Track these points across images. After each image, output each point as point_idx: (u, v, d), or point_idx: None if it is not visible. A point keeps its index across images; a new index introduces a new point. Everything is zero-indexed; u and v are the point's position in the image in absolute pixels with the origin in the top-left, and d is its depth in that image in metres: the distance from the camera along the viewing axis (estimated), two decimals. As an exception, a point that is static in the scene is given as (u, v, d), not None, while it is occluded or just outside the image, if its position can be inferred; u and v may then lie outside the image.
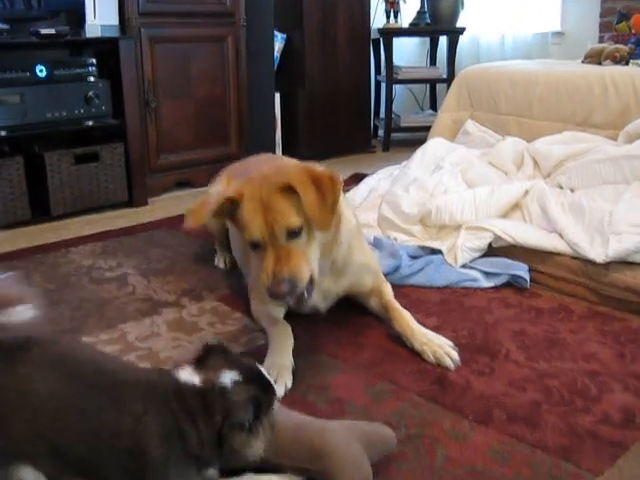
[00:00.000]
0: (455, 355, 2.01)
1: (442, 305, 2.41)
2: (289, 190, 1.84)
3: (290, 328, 2.08)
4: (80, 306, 2.45)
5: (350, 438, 1.48)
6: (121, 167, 3.76)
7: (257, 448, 1.36)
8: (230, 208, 1.91)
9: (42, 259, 2.94)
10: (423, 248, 2.73)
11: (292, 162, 2.04)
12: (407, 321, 2.14)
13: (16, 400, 1.28)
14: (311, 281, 1.87)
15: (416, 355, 2.05)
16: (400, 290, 2.42)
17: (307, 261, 1.86)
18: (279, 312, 2.19)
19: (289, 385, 1.87)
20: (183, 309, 2.41)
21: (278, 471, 1.48)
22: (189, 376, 1.36)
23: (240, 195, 1.88)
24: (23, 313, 1.34)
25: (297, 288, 1.81)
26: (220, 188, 2.65)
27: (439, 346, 2.03)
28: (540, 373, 1.95)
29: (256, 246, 1.88)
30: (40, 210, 3.53)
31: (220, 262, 2.82)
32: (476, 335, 2.18)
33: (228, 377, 1.35)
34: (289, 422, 1.53)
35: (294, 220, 1.83)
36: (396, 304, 2.23)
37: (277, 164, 2.08)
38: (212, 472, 1.38)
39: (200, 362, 1.39)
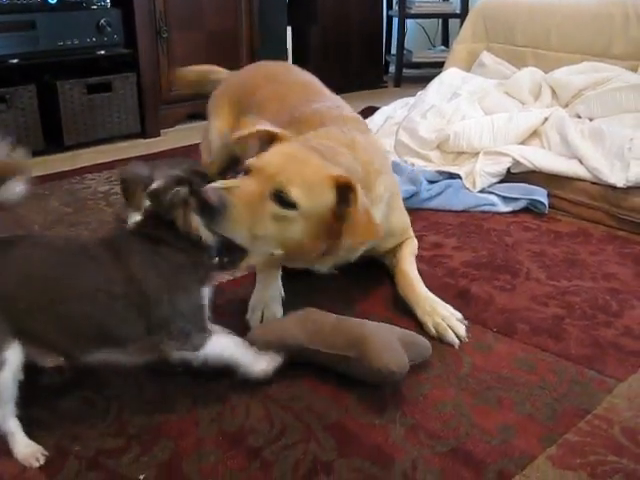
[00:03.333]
0: (461, 330, 1.74)
1: (461, 227, 2.41)
2: (335, 186, 1.53)
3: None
4: (99, 227, 2.46)
5: (389, 333, 1.53)
6: (133, 98, 3.73)
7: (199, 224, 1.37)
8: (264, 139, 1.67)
9: (58, 185, 2.94)
10: (441, 173, 2.72)
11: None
12: (412, 285, 1.87)
13: (15, 278, 1.31)
14: (239, 251, 1.51)
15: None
16: (419, 213, 2.43)
17: (262, 234, 1.49)
18: None
19: (279, 315, 1.76)
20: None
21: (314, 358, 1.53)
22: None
23: (285, 137, 1.65)
24: (16, 189, 1.33)
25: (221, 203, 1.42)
26: (220, 123, 2.41)
27: (443, 317, 1.76)
28: (561, 290, 1.96)
29: (246, 171, 1.55)
30: (53, 140, 3.50)
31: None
32: (496, 255, 2.19)
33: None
34: (330, 316, 1.58)
35: (300, 197, 1.48)
36: (405, 264, 1.94)
37: (337, 150, 1.68)
38: (205, 299, 1.43)
39: None
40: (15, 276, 1.31)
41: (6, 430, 1.32)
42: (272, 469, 1.29)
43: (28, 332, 1.31)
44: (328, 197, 1.52)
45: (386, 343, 1.48)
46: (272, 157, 1.55)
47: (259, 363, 1.50)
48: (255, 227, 1.46)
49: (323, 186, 1.52)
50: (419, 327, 1.77)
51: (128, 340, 1.38)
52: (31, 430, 1.36)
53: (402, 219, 2.00)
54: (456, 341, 1.71)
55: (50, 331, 1.33)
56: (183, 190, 1.34)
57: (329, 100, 2.11)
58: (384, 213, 1.82)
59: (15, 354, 1.29)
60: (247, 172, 1.53)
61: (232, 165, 2.43)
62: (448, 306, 1.81)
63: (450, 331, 1.73)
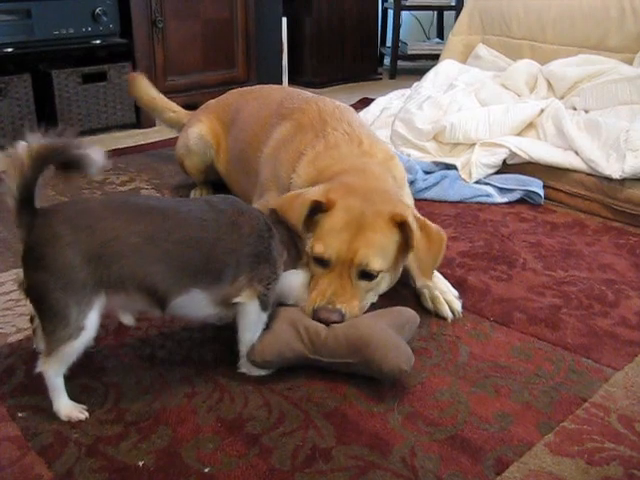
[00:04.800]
0: (457, 305, 1.79)
1: (457, 218, 2.42)
2: (396, 225, 1.63)
3: None
4: (95, 217, 2.45)
5: (382, 324, 1.51)
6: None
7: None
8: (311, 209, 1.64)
9: (53, 174, 2.91)
10: (437, 164, 2.72)
11: (394, 195, 1.76)
12: None
13: (126, 216, 1.35)
14: None
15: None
16: (415, 203, 2.41)
17: (365, 303, 1.65)
18: None
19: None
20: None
21: (315, 364, 1.52)
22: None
23: (331, 202, 1.63)
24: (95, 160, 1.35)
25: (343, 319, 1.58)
26: (200, 130, 2.50)
27: (441, 291, 1.81)
28: (558, 280, 1.97)
29: (320, 262, 1.62)
30: (48, 130, 3.48)
31: (196, 196, 2.61)
32: (493, 245, 2.19)
33: None
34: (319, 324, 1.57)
35: (380, 264, 1.61)
36: None
37: (375, 185, 1.73)
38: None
39: None
40: (127, 214, 1.34)
41: (53, 385, 1.36)
42: (271, 455, 1.29)
43: (127, 278, 1.33)
44: (395, 239, 1.64)
45: (389, 343, 1.46)
46: (337, 240, 1.61)
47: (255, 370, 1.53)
48: (362, 305, 1.63)
49: (389, 235, 1.63)
50: (416, 298, 1.84)
51: (222, 278, 1.41)
52: (29, 416, 1.37)
53: (410, 200, 2.06)
54: (450, 315, 1.77)
55: (153, 269, 1.34)
56: None
57: (310, 94, 2.26)
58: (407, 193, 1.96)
59: (94, 322, 1.32)
60: (325, 264, 1.62)
61: (209, 170, 2.56)
62: (447, 282, 1.86)
63: (446, 305, 1.78)
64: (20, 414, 1.39)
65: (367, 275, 1.61)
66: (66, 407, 1.38)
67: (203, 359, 1.58)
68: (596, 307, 1.83)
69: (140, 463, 1.27)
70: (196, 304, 1.43)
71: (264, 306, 1.47)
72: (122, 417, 1.39)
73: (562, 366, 1.56)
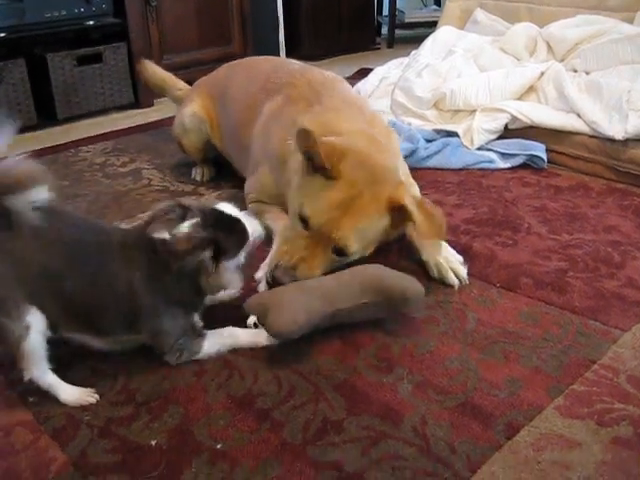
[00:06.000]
0: (463, 271, 1.79)
1: (460, 185, 2.41)
2: (389, 209, 1.63)
3: None
4: (97, 199, 2.45)
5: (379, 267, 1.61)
6: (125, 68, 3.69)
7: (226, 283, 1.44)
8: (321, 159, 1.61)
9: (53, 159, 2.91)
10: (439, 132, 2.70)
11: (395, 174, 1.75)
12: None
13: (37, 244, 1.34)
14: None
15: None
16: (418, 173, 2.40)
17: (325, 270, 1.65)
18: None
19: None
20: (202, 197, 2.40)
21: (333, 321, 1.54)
22: (160, 232, 1.38)
23: (338, 172, 1.61)
24: (39, 194, 1.31)
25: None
26: (193, 109, 2.49)
27: (446, 259, 1.80)
28: (563, 244, 1.96)
29: (303, 222, 1.64)
30: (46, 115, 3.47)
31: (197, 175, 2.63)
32: (497, 211, 2.18)
33: (186, 226, 1.37)
34: (321, 278, 1.61)
35: (356, 248, 1.64)
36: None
37: (381, 160, 1.70)
38: (197, 318, 1.49)
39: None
40: (37, 243, 1.33)
41: (47, 384, 1.38)
42: (282, 429, 1.29)
43: (35, 299, 1.33)
44: (383, 225, 1.66)
45: (398, 275, 1.57)
46: (327, 214, 1.61)
47: (260, 338, 1.53)
48: (320, 273, 1.64)
49: (377, 222, 1.65)
50: (421, 267, 1.83)
51: (112, 332, 1.43)
52: (40, 400, 1.38)
53: (405, 170, 2.05)
54: (456, 281, 1.76)
55: (50, 301, 1.35)
56: (207, 254, 1.37)
57: (297, 64, 2.26)
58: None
59: (37, 317, 1.32)
60: (305, 225, 1.64)
61: (207, 147, 2.54)
62: (451, 250, 1.85)
63: (451, 272, 1.78)
64: (31, 399, 1.40)
65: (341, 253, 1.65)
66: (71, 394, 1.39)
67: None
68: (602, 269, 1.82)
69: (153, 442, 1.28)
70: (91, 342, 1.45)
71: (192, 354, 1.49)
72: (132, 398, 1.40)
73: (570, 329, 1.56)
